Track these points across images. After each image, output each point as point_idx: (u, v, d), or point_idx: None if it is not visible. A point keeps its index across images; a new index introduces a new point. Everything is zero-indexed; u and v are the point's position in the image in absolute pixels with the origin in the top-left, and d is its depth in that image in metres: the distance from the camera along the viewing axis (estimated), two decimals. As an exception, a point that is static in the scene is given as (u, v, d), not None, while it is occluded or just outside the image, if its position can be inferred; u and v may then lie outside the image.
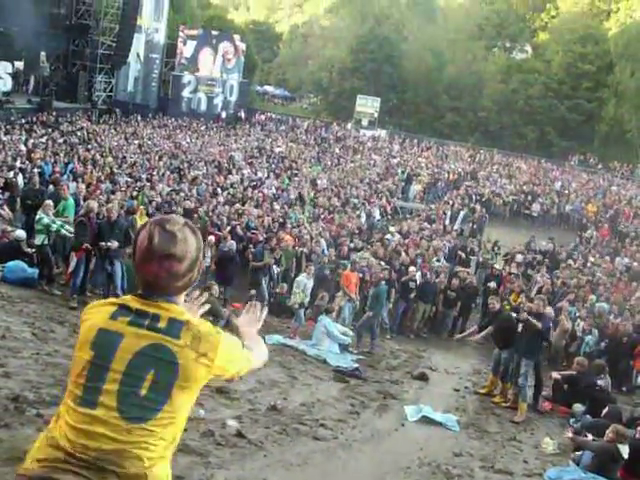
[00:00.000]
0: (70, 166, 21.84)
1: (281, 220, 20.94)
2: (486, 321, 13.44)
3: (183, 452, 6.02)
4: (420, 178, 34.59)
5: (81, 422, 2.39)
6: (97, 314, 2.55)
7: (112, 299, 2.64)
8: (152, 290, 2.55)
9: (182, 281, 2.56)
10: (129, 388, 2.42)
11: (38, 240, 12.80)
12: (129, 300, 2.57)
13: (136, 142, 31.07)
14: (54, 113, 33.15)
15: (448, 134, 53.47)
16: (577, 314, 16.34)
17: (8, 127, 27.68)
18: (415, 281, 16.84)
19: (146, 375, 2.43)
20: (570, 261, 22.06)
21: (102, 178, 21.24)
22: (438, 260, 19.57)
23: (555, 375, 12.19)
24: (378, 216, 26.35)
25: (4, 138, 24.63)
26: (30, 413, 6.02)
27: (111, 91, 40.49)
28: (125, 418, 2.39)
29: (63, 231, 13.04)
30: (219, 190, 23.76)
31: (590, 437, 8.98)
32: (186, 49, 46.02)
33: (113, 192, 19.17)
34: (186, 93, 46.87)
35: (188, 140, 35.48)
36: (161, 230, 2.50)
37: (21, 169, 19.64)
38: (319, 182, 29.99)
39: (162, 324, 2.50)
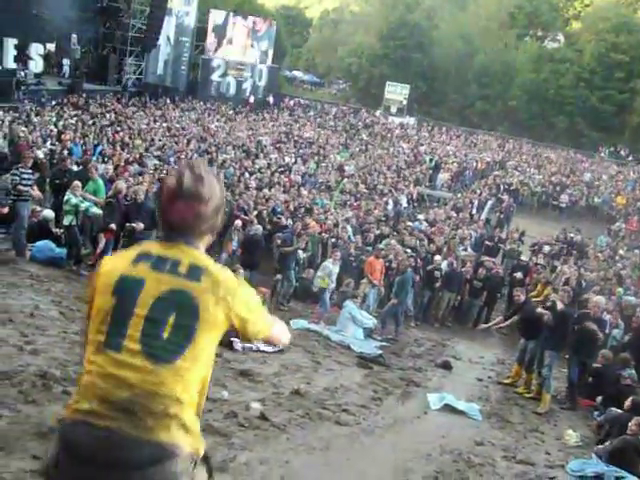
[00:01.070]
0: (99, 148, 21.99)
1: (308, 206, 20.97)
2: (511, 312, 13.40)
3: (206, 432, 6.03)
4: (448, 166, 34.43)
5: (108, 366, 2.45)
6: (118, 262, 2.62)
7: (133, 247, 2.70)
8: (176, 232, 2.62)
9: (206, 224, 2.64)
10: (152, 331, 2.47)
11: (66, 220, 12.92)
12: (150, 246, 2.66)
13: (165, 125, 31.20)
14: (84, 95, 33.35)
15: (477, 123, 53.12)
16: (604, 307, 16.18)
17: (39, 108, 27.91)
18: (440, 270, 16.79)
19: (168, 318, 2.48)
20: (598, 253, 21.91)
21: (130, 160, 21.37)
22: (465, 249, 19.51)
23: (580, 367, 12.14)
24: (405, 203, 26.27)
25: (35, 119, 24.83)
26: (57, 390, 6.10)
27: (141, 74, 40.61)
28: (149, 360, 2.45)
29: (92, 210, 13.15)
30: (247, 174, 23.82)
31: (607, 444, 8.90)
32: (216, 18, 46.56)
33: (141, 174, 19.28)
34: (215, 77, 46.94)
35: (216, 124, 35.56)
36: (190, 172, 2.60)
37: (51, 150, 19.81)
38: (347, 168, 29.96)
39: (182, 269, 2.56)
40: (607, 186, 35.04)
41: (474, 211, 26.75)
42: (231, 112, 42.08)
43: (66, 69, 36.01)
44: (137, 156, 22.42)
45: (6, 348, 6.90)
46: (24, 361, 6.62)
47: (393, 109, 52.01)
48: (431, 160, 35.01)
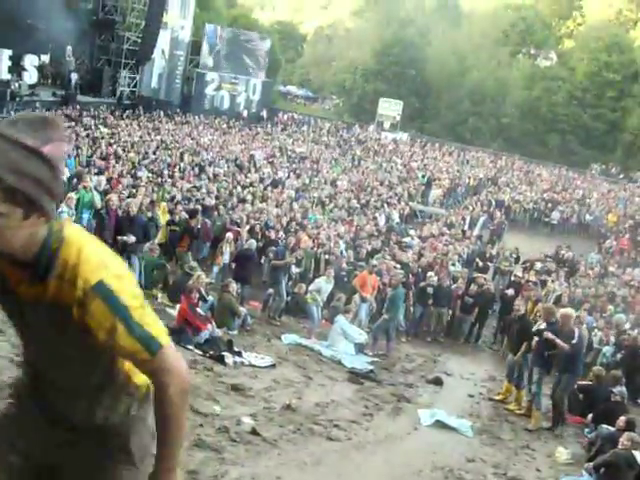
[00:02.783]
0: (93, 160, 21.96)
1: (300, 220, 20.99)
2: (510, 326, 13.31)
3: (198, 447, 6.07)
4: (440, 182, 34.52)
5: None
6: None
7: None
8: None
9: None
10: None
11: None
12: None
13: (158, 138, 31.19)
14: (78, 107, 33.33)
15: (470, 139, 53.30)
16: (594, 324, 16.27)
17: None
18: (433, 286, 16.82)
19: None
20: (589, 270, 22.00)
21: (124, 173, 21.34)
22: (453, 264, 19.54)
23: (571, 384, 12.17)
24: (397, 219, 26.32)
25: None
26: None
27: (135, 87, 40.63)
28: None
29: None
30: (239, 188, 23.85)
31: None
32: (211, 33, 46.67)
33: (134, 187, 19.28)
34: (209, 91, 47.01)
35: (210, 138, 35.58)
36: None
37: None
38: (339, 183, 30.01)
39: None
40: (598, 204, 35.21)
41: (466, 227, 26.81)
42: (225, 126, 42.12)
43: (73, 81, 35.60)
44: (130, 169, 22.39)
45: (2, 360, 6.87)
46: (14, 373, 6.57)
47: (386, 125, 52.12)
48: (423, 176, 35.09)
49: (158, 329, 2.28)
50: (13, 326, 2.45)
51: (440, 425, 9.76)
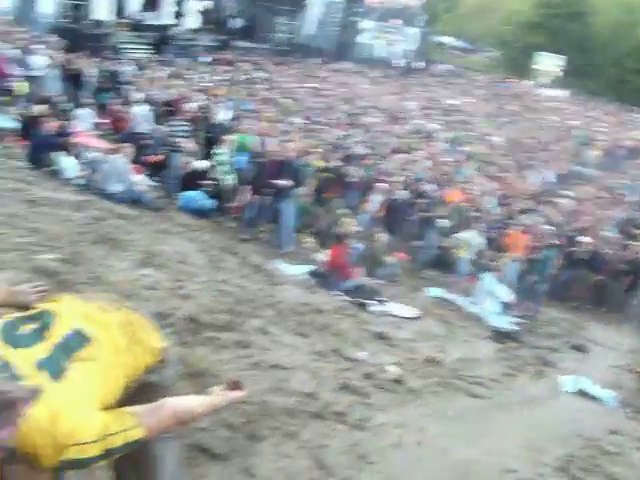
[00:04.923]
0: (250, 105, 22.45)
1: (451, 174, 20.78)
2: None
3: (346, 390, 6.23)
4: (599, 144, 33.11)
5: None
6: None
7: None
8: None
9: None
10: None
11: (217, 173, 13.35)
12: None
13: (313, 85, 31.46)
14: (236, 52, 34.07)
15: (633, 99, 50.45)
16: None
17: (193, 63, 28.78)
18: (585, 251, 16.30)
19: None
20: None
21: (279, 118, 21.74)
22: (607, 230, 18.81)
23: None
24: (552, 179, 25.54)
25: (195, 74, 25.60)
26: (204, 335, 6.37)
27: (292, 33, 41.00)
28: None
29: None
30: (392, 138, 23.79)
31: None
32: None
33: (289, 133, 19.62)
34: (365, 39, 46.82)
35: (364, 87, 35.56)
36: None
37: (204, 104, 20.40)
38: (493, 139, 29.39)
39: None
40: None
41: (624, 192, 25.67)
42: (380, 75, 41.92)
43: (236, 26, 36.17)
44: (285, 115, 22.77)
45: (161, 291, 7.26)
46: (175, 304, 6.94)
47: (545, 80, 50.34)
48: (582, 136, 33.75)
49: (128, 428, 2.64)
50: None
51: (582, 393, 9.54)
